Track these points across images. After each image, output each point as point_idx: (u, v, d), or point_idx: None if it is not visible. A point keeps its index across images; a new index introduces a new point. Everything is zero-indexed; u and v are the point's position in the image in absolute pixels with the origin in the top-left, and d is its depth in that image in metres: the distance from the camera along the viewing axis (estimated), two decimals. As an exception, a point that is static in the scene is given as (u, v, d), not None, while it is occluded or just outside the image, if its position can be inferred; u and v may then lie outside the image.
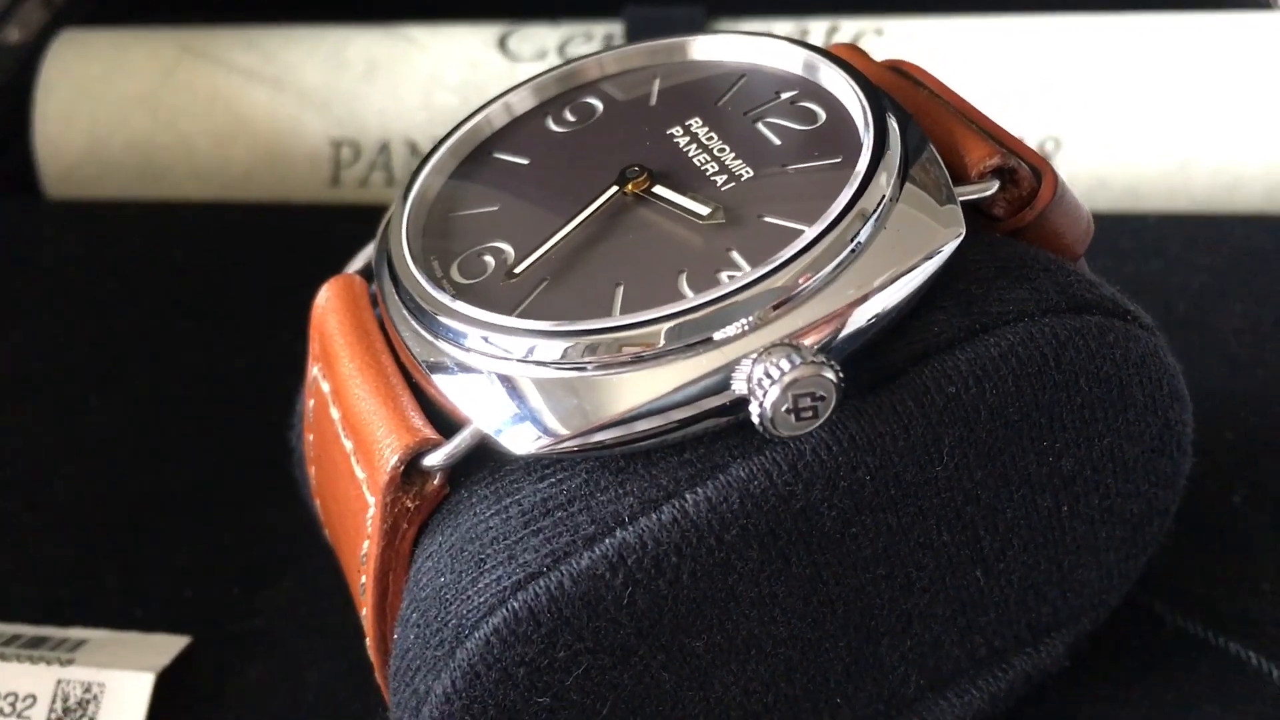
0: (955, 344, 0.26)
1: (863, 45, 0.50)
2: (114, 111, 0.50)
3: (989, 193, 0.27)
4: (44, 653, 0.33)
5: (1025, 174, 0.28)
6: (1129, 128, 0.48)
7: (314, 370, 0.30)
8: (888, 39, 0.50)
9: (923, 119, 0.29)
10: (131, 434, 0.41)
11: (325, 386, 0.29)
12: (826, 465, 0.25)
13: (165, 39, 0.52)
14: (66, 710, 0.32)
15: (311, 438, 0.30)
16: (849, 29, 0.51)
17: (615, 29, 0.51)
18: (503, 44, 0.51)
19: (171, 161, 0.50)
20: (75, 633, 0.35)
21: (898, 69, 0.31)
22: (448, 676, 0.25)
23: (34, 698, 0.32)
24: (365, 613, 0.27)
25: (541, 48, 0.50)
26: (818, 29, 0.51)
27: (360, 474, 0.27)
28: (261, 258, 0.48)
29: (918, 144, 0.27)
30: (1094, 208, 0.48)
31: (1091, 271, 0.29)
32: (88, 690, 0.32)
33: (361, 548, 0.27)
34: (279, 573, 0.37)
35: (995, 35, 0.50)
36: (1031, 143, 0.49)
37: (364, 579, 0.27)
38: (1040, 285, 0.27)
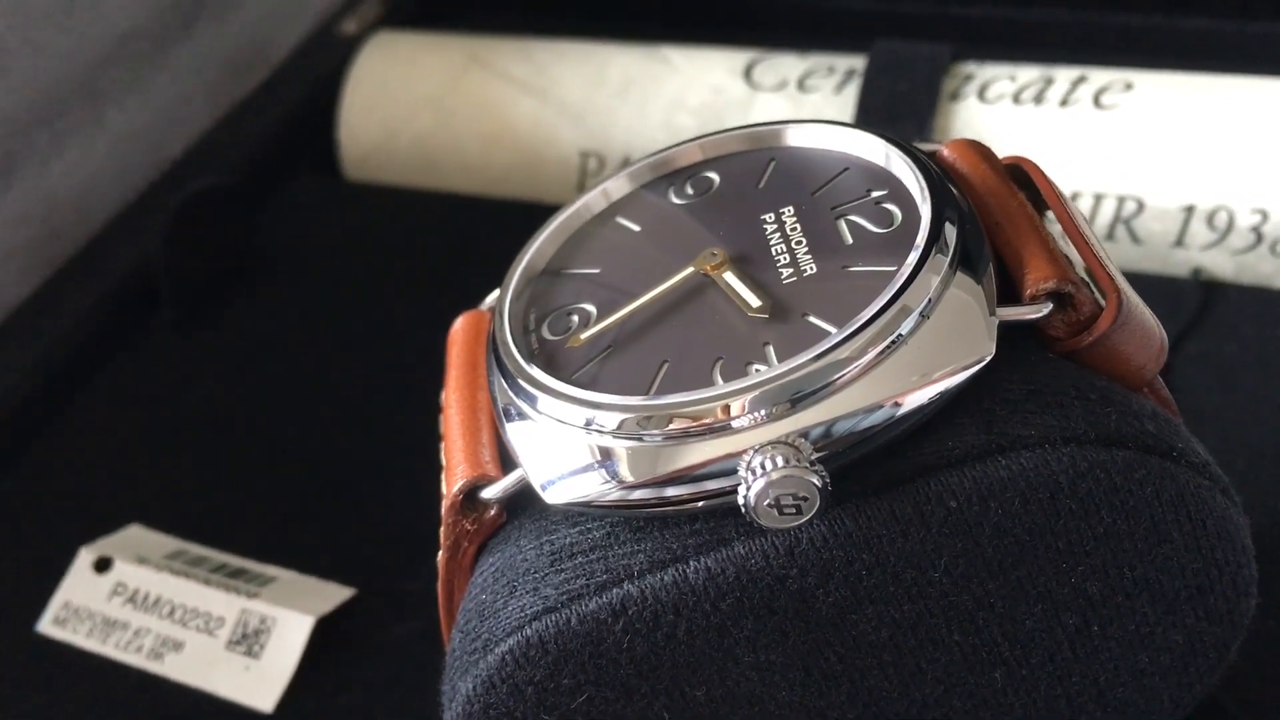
0: (966, 460, 0.27)
1: (1109, 99, 0.49)
2: (405, 109, 0.57)
3: (1038, 315, 0.28)
4: (240, 583, 0.40)
5: (1085, 299, 0.28)
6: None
7: (444, 389, 0.34)
8: (1137, 92, 0.49)
9: (1003, 229, 0.29)
10: (356, 399, 0.48)
11: (443, 404, 0.33)
12: (822, 555, 0.27)
13: (456, 47, 0.58)
14: (244, 636, 0.39)
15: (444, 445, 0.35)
16: (1098, 79, 0.50)
17: (858, 63, 0.52)
18: (748, 72, 0.53)
19: (446, 157, 0.57)
20: (269, 569, 0.41)
21: (1018, 168, 0.32)
22: (472, 681, 0.29)
23: (223, 620, 0.39)
24: (440, 610, 0.32)
25: (783, 79, 0.52)
26: (1064, 78, 0.50)
27: (444, 490, 0.31)
28: (508, 250, 0.54)
29: (977, 258, 0.28)
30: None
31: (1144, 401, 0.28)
32: (262, 622, 0.39)
33: (437, 554, 0.31)
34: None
35: (1247, 96, 0.47)
36: (1275, 215, 0.46)
37: (438, 583, 0.31)
38: (1071, 414, 0.27)
